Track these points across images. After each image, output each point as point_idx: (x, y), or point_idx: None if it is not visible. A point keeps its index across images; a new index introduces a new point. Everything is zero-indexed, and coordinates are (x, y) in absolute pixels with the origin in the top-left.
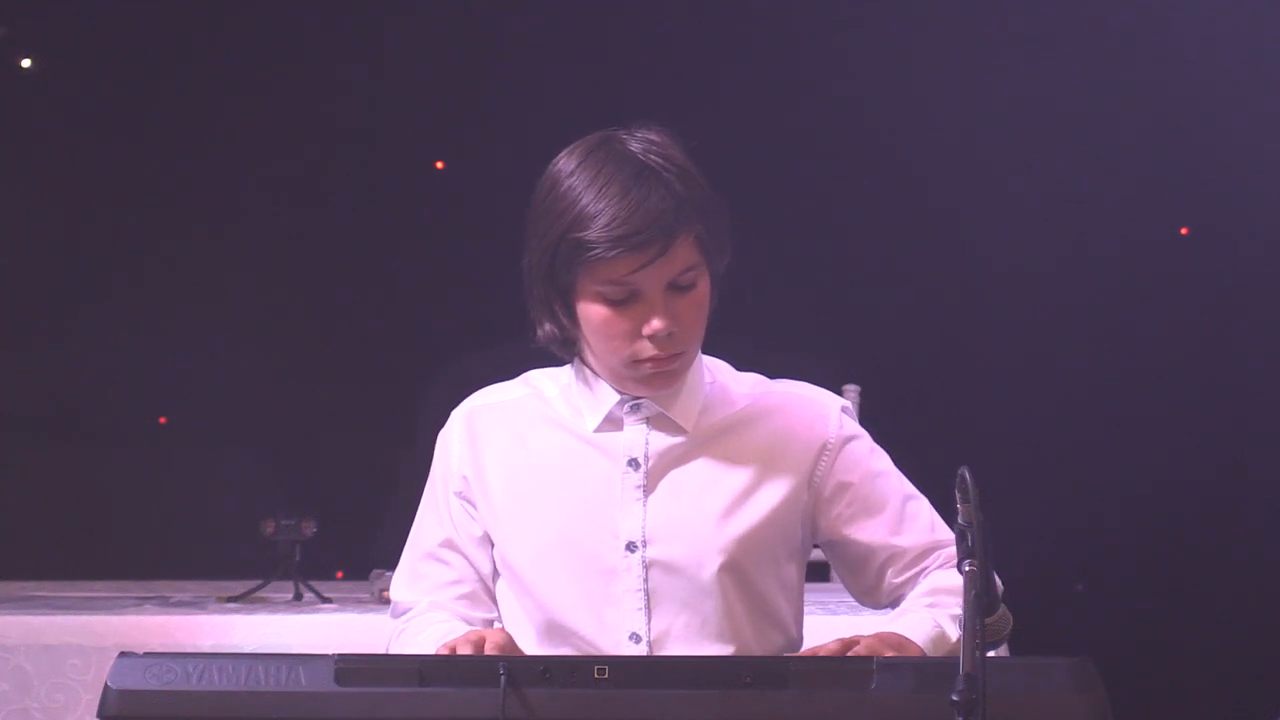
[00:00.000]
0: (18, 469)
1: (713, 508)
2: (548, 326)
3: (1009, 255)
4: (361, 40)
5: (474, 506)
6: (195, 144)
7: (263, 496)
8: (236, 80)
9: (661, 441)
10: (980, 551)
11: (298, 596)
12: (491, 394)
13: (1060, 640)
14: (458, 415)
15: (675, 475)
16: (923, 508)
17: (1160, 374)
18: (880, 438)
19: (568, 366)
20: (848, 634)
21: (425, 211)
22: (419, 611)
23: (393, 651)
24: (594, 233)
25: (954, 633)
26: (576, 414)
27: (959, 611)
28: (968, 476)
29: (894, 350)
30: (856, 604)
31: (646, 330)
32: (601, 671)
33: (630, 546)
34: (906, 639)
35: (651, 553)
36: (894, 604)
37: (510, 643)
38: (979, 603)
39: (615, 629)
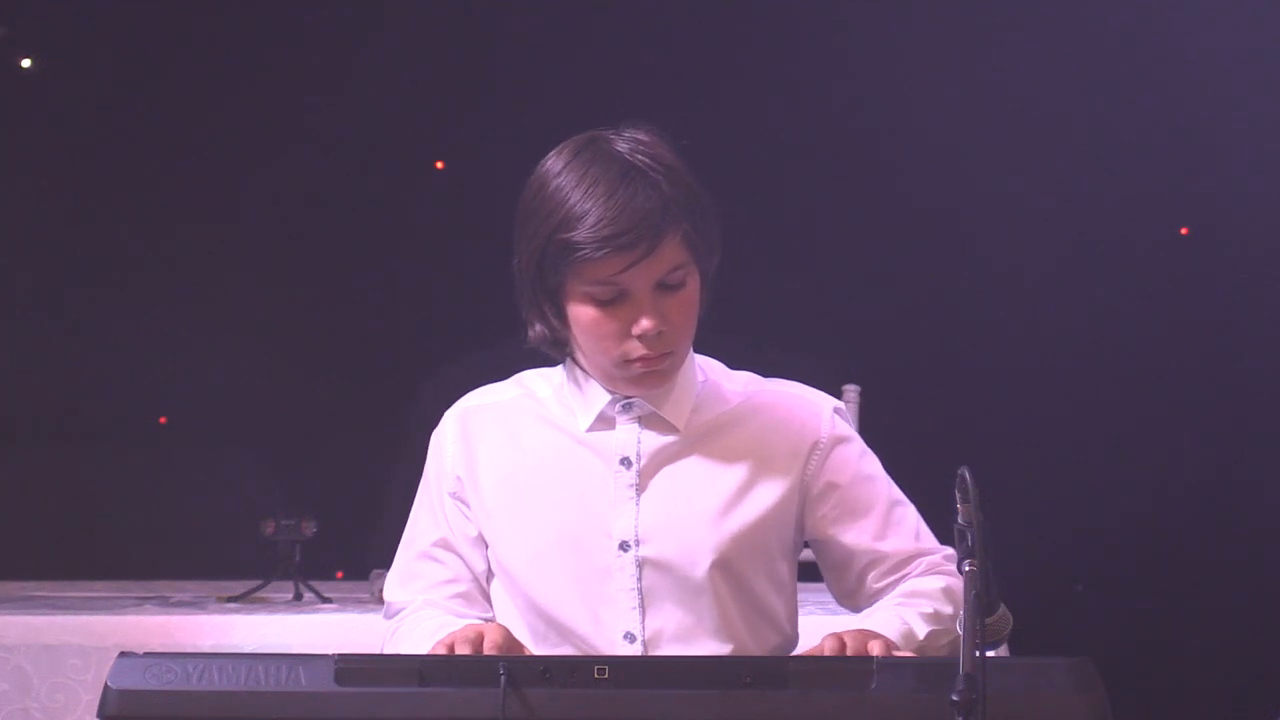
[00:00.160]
0: (18, 469)
1: (705, 506)
2: (538, 327)
3: (1009, 255)
4: (362, 40)
5: (468, 506)
6: (195, 144)
7: (263, 496)
8: (236, 80)
9: (654, 440)
10: (980, 551)
11: (298, 596)
12: (484, 394)
13: (1060, 640)
14: (451, 416)
15: (668, 474)
16: (909, 514)
17: (1160, 374)
18: (880, 438)
19: (560, 367)
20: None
21: (425, 211)
22: (413, 610)
23: (388, 650)
24: (581, 233)
25: (922, 630)
26: (569, 414)
27: (930, 610)
28: (968, 476)
29: (894, 350)
30: None
31: (636, 330)
32: (601, 671)
33: (623, 546)
34: (877, 632)
35: (644, 552)
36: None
37: (508, 638)
38: (979, 603)
39: (610, 628)
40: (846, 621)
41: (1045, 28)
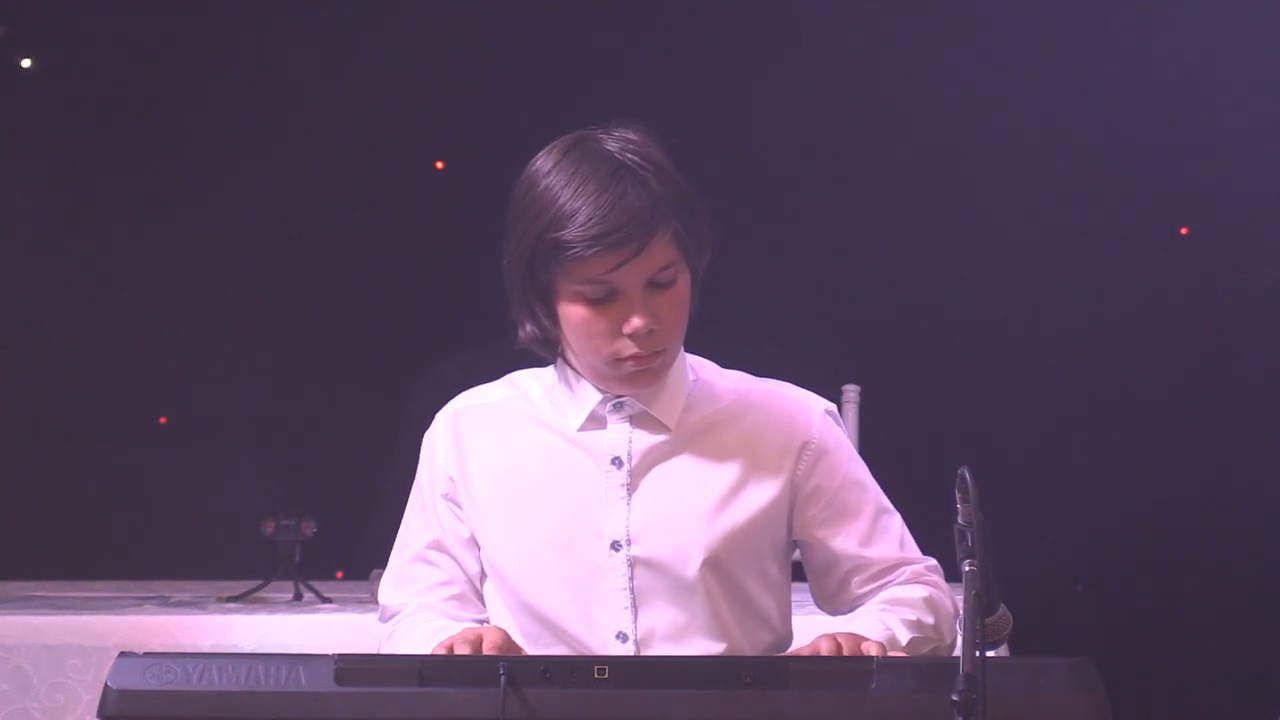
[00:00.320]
0: (18, 469)
1: (696, 505)
2: (529, 327)
3: (1009, 255)
4: (362, 40)
5: (460, 508)
6: (194, 144)
7: (263, 496)
8: (236, 80)
9: (645, 440)
10: (980, 551)
11: (298, 596)
12: (475, 395)
13: (1060, 640)
14: (442, 417)
15: (659, 473)
16: (895, 522)
17: (1160, 374)
18: (880, 438)
19: (551, 367)
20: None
21: (425, 212)
22: (408, 613)
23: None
24: (571, 232)
25: (904, 636)
26: (560, 414)
27: (913, 618)
28: (968, 476)
29: (894, 350)
30: None
31: (626, 329)
32: (601, 671)
33: (615, 545)
34: (863, 636)
35: (636, 551)
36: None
37: (507, 639)
38: (979, 603)
39: (602, 628)
40: (836, 623)
41: (1045, 28)
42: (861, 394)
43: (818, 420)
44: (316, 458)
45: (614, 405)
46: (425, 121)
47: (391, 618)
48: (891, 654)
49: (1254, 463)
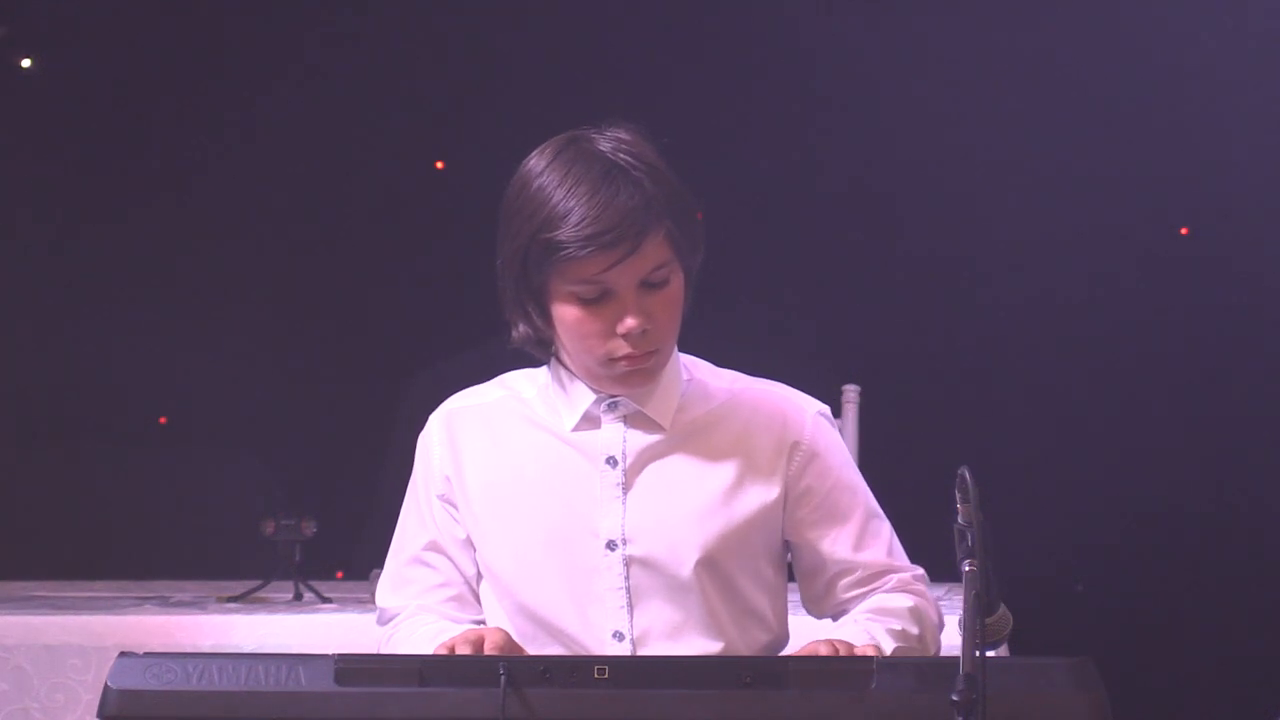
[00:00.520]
0: (18, 469)
1: (691, 504)
2: (522, 328)
3: (1009, 255)
4: (361, 40)
5: (455, 509)
6: (195, 144)
7: (263, 496)
8: (236, 80)
9: (639, 439)
10: (980, 551)
11: (298, 596)
12: (468, 396)
13: (1060, 640)
14: (436, 418)
15: (653, 473)
16: (884, 529)
17: (1160, 374)
18: (880, 438)
19: (545, 367)
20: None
21: (426, 212)
22: (407, 615)
23: None
24: (564, 232)
25: (889, 646)
26: (554, 414)
27: (898, 628)
28: (968, 476)
29: (894, 350)
30: None
31: (620, 329)
32: (601, 671)
33: (610, 545)
34: (853, 643)
35: (631, 550)
36: (836, 618)
37: (508, 640)
38: (979, 603)
39: (598, 627)
40: (821, 628)
41: (1045, 28)
42: (861, 394)
43: (810, 421)
44: (316, 458)
45: (608, 405)
46: (425, 121)
47: (390, 620)
48: None
49: (1254, 463)
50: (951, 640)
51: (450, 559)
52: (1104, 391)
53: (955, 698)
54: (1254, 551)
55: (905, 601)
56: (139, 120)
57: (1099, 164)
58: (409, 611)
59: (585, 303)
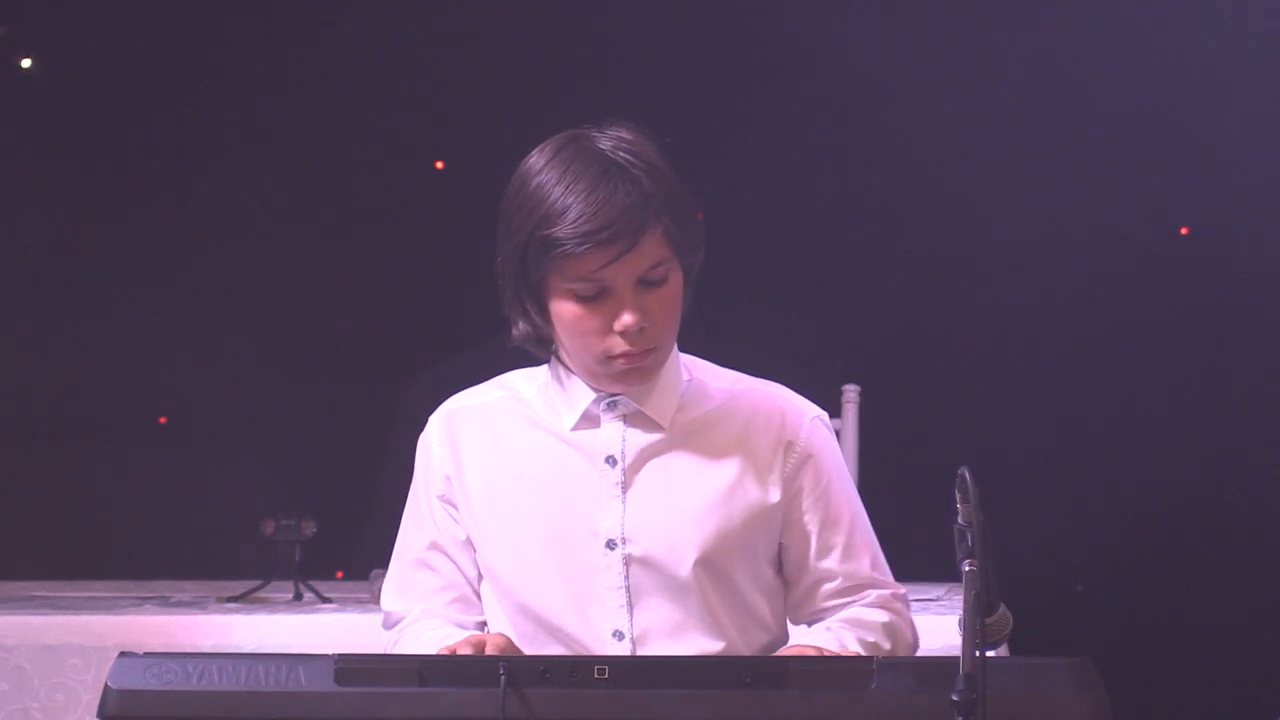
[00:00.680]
0: (18, 469)
1: (690, 504)
2: (521, 325)
3: (1009, 255)
4: (362, 40)
5: (455, 509)
6: (195, 144)
7: (263, 496)
8: (236, 80)
9: (639, 438)
10: (980, 551)
11: (298, 596)
12: (467, 397)
13: (1060, 640)
14: (436, 419)
15: (653, 472)
16: (871, 542)
17: (1160, 374)
18: (880, 438)
19: (545, 366)
20: None
21: (425, 212)
22: (412, 620)
23: None
24: (562, 229)
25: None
26: (553, 413)
27: (871, 640)
28: (968, 476)
29: (894, 350)
30: None
31: (617, 326)
32: (601, 671)
33: (610, 544)
34: (819, 647)
35: (631, 549)
36: (812, 625)
37: (510, 645)
38: (979, 603)
39: (598, 627)
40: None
41: (1045, 27)
42: (861, 394)
43: (808, 424)
44: (316, 458)
45: (608, 404)
46: (425, 121)
47: (395, 624)
48: None
49: (1254, 463)
50: (951, 640)
51: (452, 560)
52: (1104, 391)
53: (955, 698)
54: (1254, 551)
55: (881, 616)
56: (139, 120)
57: (1099, 164)
58: (414, 616)
59: (583, 300)
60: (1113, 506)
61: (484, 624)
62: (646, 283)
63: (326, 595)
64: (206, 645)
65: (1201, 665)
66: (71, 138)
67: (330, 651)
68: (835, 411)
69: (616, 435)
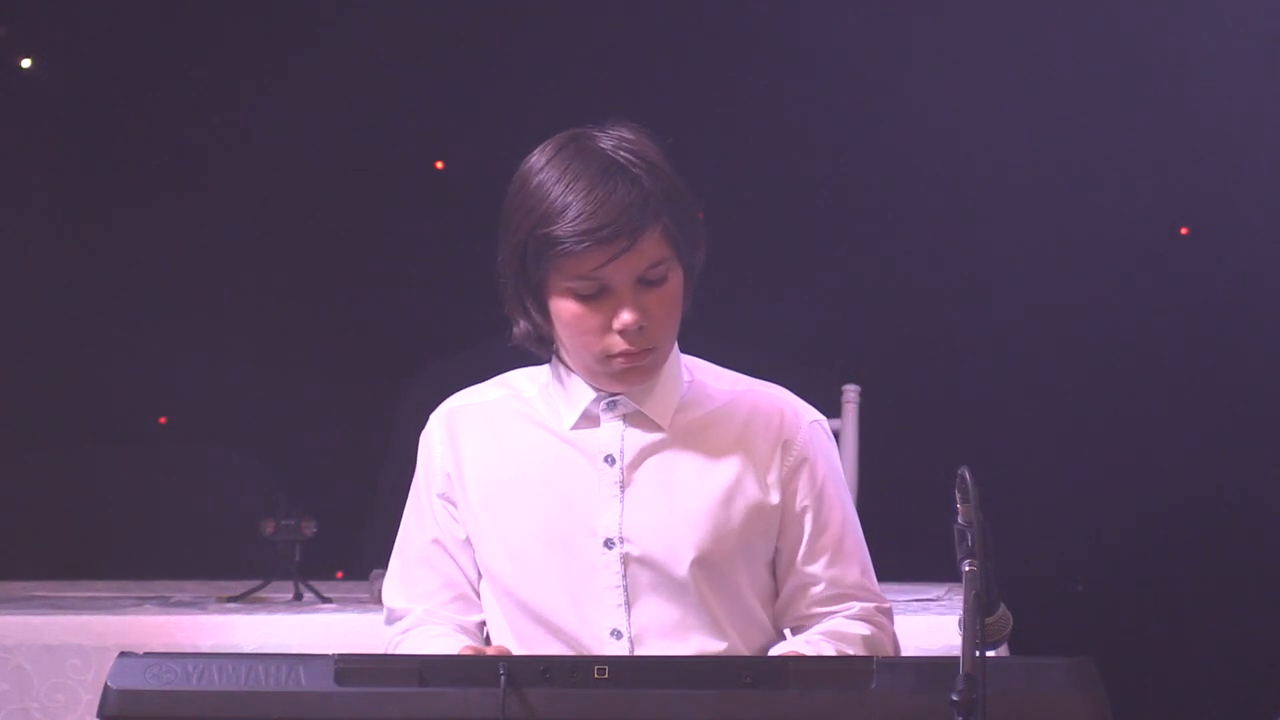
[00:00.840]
0: (18, 469)
1: (688, 504)
2: (522, 324)
3: (1009, 255)
4: (362, 39)
5: (455, 507)
6: (195, 144)
7: (263, 496)
8: (236, 81)
9: (638, 438)
10: (980, 551)
11: (298, 596)
12: (469, 395)
13: (1060, 640)
14: (437, 416)
15: (652, 471)
16: (861, 552)
17: (1160, 374)
18: (880, 438)
19: (546, 366)
20: None
21: (425, 211)
22: (415, 621)
23: None
24: (562, 227)
25: None
26: (554, 412)
27: (850, 652)
28: (968, 476)
29: (894, 350)
30: None
31: (617, 324)
32: (601, 671)
33: (608, 543)
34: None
35: (629, 548)
36: (794, 631)
37: (509, 653)
38: (979, 603)
39: (596, 625)
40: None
41: (1045, 27)
42: (861, 394)
43: (805, 426)
44: (316, 458)
45: (607, 404)
46: (425, 121)
47: (397, 621)
48: None
49: (1254, 463)
50: (951, 640)
51: (452, 558)
52: (1104, 391)
53: (955, 698)
54: (1254, 551)
55: (862, 629)
56: (139, 120)
57: (1099, 164)
58: (416, 618)
59: (582, 298)
60: (1113, 506)
61: (484, 623)
62: (646, 282)
63: (326, 595)
64: (206, 645)
65: (1201, 665)
66: (71, 138)
67: (330, 651)
68: (835, 411)
69: (616, 434)
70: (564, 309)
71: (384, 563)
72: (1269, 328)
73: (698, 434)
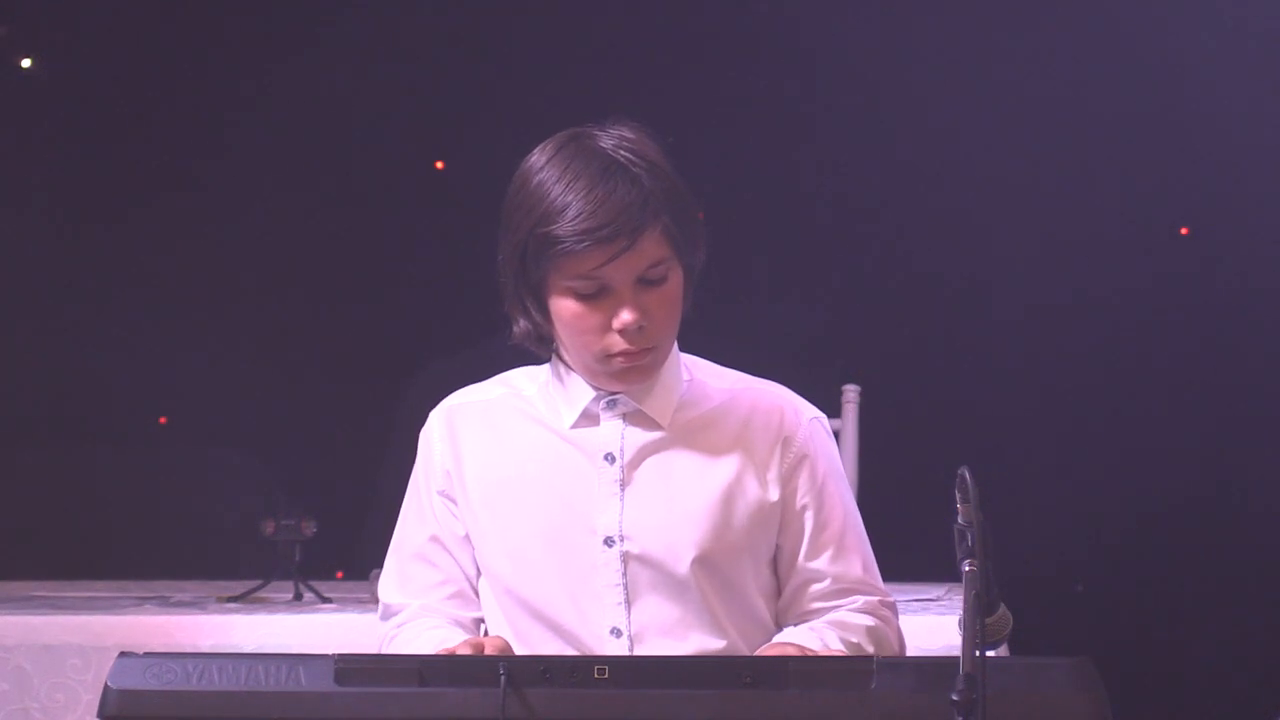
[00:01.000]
0: (18, 469)
1: (688, 502)
2: (522, 323)
3: (1009, 255)
4: (362, 40)
5: (455, 504)
6: (195, 144)
7: (263, 496)
8: (236, 81)
9: (638, 437)
10: (980, 551)
11: (298, 596)
12: (469, 393)
13: (1060, 640)
14: (437, 414)
15: (652, 470)
16: (863, 547)
17: (1160, 374)
18: (880, 438)
19: (546, 365)
20: None
21: (425, 211)
22: (411, 616)
23: None
24: (562, 226)
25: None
26: (554, 411)
27: (854, 641)
28: (968, 476)
29: (894, 350)
30: None
31: (616, 324)
32: (601, 671)
33: (608, 541)
34: (801, 645)
35: (629, 547)
36: (797, 626)
37: (508, 648)
38: (979, 603)
39: (596, 624)
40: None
41: (1046, 27)
42: (861, 394)
43: (805, 423)
44: (316, 458)
45: (607, 402)
46: (425, 121)
47: (393, 617)
48: None
49: (1254, 462)
50: (951, 640)
51: (451, 555)
52: (1104, 391)
53: (955, 698)
54: (1254, 552)
55: (866, 620)
56: (139, 120)
57: (1099, 164)
58: (412, 612)
59: (582, 298)
60: (1113, 506)
61: (481, 620)
62: (646, 281)
63: (326, 595)
64: (206, 645)
65: (1201, 665)
66: (71, 138)
67: (330, 651)
68: (835, 411)
69: (616, 433)
70: (564, 308)
71: (383, 562)
72: (1269, 328)
73: (697, 432)
